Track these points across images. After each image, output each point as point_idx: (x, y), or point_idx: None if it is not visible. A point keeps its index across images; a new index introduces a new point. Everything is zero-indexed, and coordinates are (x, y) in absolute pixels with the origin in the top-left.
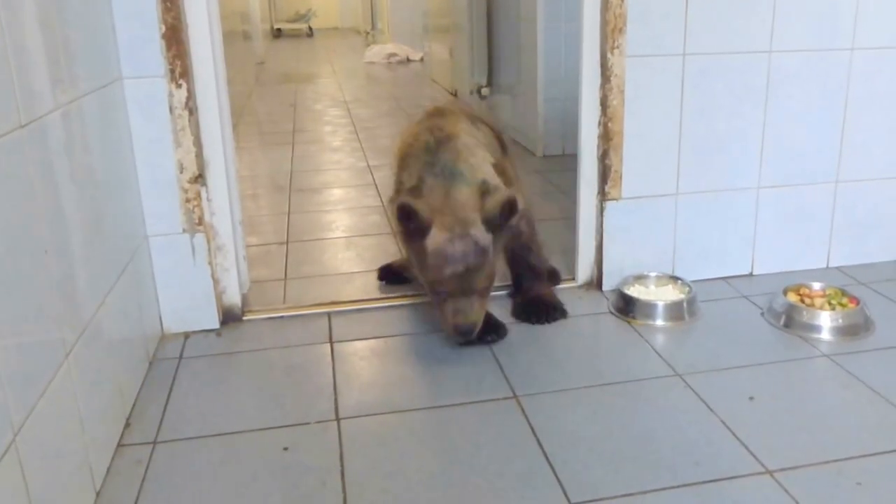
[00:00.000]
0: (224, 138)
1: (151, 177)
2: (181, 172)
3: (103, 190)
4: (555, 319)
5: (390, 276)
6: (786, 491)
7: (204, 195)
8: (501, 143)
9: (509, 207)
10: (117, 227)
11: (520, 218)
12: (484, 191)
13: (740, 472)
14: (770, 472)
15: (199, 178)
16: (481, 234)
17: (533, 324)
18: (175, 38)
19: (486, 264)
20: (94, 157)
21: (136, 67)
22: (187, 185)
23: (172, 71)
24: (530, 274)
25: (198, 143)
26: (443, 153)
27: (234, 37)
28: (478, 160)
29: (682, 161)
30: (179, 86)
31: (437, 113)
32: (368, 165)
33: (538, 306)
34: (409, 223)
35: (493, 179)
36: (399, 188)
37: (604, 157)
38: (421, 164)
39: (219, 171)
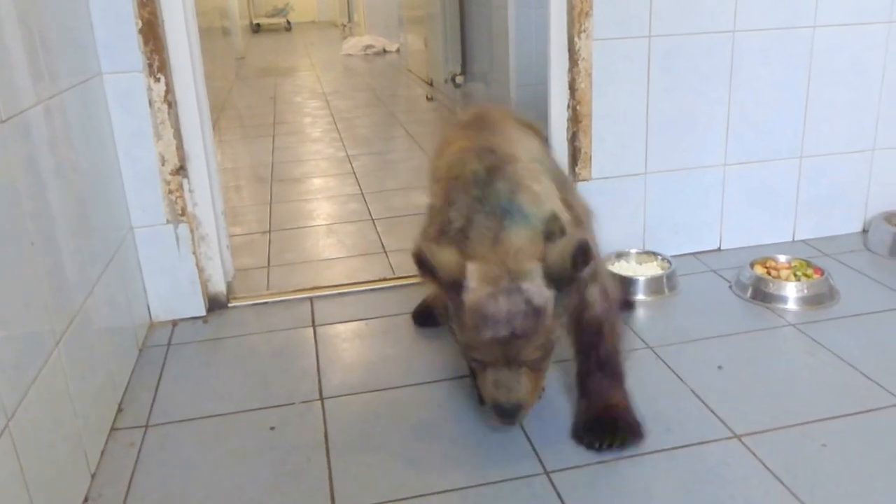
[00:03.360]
0: (204, 130)
1: (134, 169)
2: (163, 165)
3: (87, 183)
4: (625, 445)
5: (427, 318)
6: (753, 454)
7: (186, 186)
8: (545, 145)
9: (581, 255)
10: (102, 219)
11: (591, 279)
12: (552, 231)
13: (709, 437)
14: (738, 437)
15: (181, 169)
16: (538, 290)
17: (597, 450)
18: (152, 32)
19: (540, 330)
20: (76, 151)
21: (115, 62)
22: (169, 177)
23: (150, 65)
24: (599, 371)
25: (178, 135)
26: (497, 184)
27: (214, 32)
28: (543, 189)
29: (651, 141)
30: (158, 80)
31: (481, 122)
32: (347, 155)
33: (604, 424)
34: (432, 275)
35: (563, 216)
36: (443, 227)
37: (573, 139)
38: (469, 200)
39: (199, 163)
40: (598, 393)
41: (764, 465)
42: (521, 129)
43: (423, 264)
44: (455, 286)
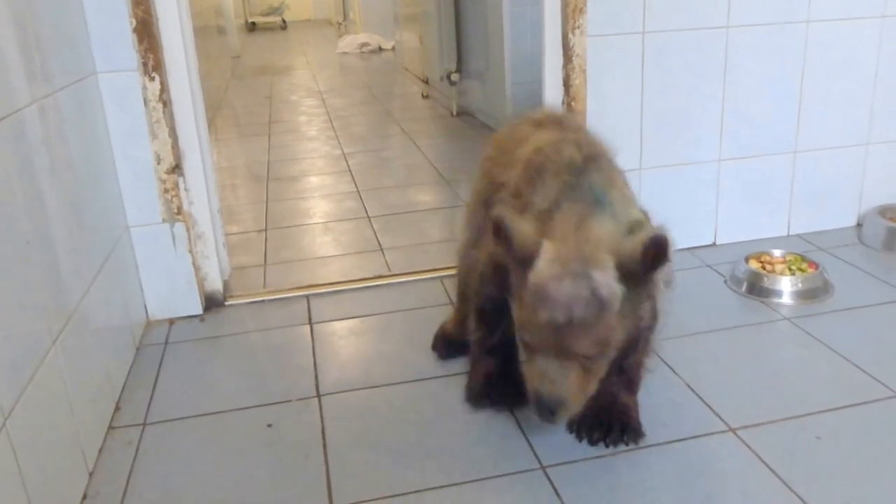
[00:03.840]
0: (199, 129)
1: (129, 168)
2: (158, 163)
3: (82, 182)
4: (617, 443)
5: (448, 347)
6: (748, 447)
7: (182, 185)
8: None
9: (657, 250)
10: (98, 217)
11: (650, 294)
12: (635, 230)
13: (704, 431)
14: (733, 430)
15: (176, 168)
16: (606, 281)
17: (592, 443)
18: (146, 31)
19: (600, 323)
20: (72, 150)
21: (110, 61)
22: (165, 176)
23: (145, 64)
24: (616, 376)
25: (173, 134)
26: (592, 174)
27: (209, 31)
28: (629, 194)
29: (645, 137)
30: (153, 78)
31: (558, 121)
32: (343, 153)
33: (603, 421)
34: (507, 246)
35: (646, 223)
36: (524, 208)
37: None
38: (561, 184)
39: (195, 161)
40: (608, 393)
41: (759, 457)
42: (599, 139)
43: (501, 231)
44: (526, 261)
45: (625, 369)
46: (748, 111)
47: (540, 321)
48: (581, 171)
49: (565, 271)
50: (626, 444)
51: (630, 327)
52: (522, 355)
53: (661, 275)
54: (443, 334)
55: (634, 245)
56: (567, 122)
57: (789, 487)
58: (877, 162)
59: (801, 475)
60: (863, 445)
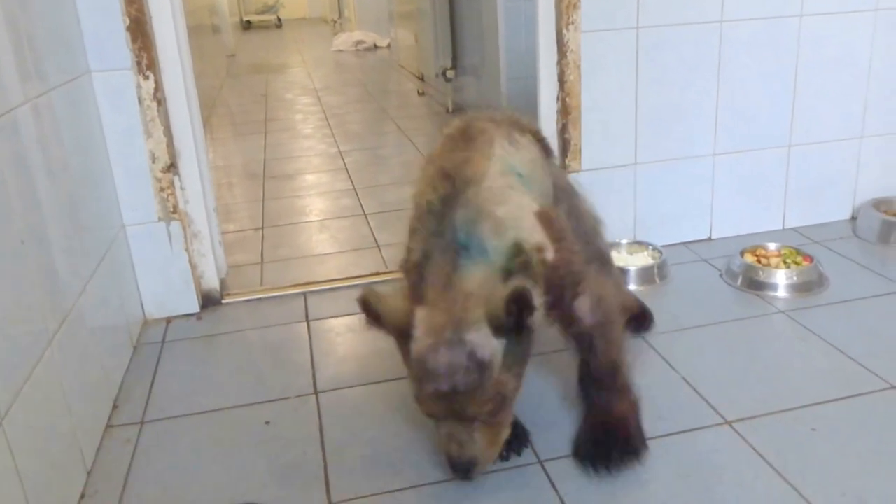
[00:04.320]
0: (194, 127)
1: (125, 167)
2: (153, 162)
3: (77, 181)
4: (623, 463)
5: None
6: (744, 439)
7: (177, 184)
8: (546, 156)
9: (519, 303)
10: (94, 217)
11: (572, 296)
12: (510, 268)
13: (700, 424)
14: (729, 423)
15: (172, 167)
16: (482, 342)
17: (597, 472)
18: (140, 30)
19: (485, 384)
20: (66, 150)
21: (103, 60)
22: (160, 175)
23: (139, 63)
24: (595, 386)
25: (168, 132)
26: (456, 213)
27: (204, 30)
28: (510, 211)
29: (640, 132)
30: (147, 77)
31: (462, 135)
32: (339, 151)
33: (601, 442)
34: (379, 325)
35: (533, 238)
36: (406, 256)
37: (563, 131)
38: (426, 233)
39: (190, 160)
40: (598, 406)
41: (755, 450)
42: (511, 137)
43: (369, 311)
44: (401, 334)
45: (599, 378)
46: (742, 105)
47: (428, 393)
48: (441, 214)
49: (439, 341)
50: (630, 466)
51: (522, 372)
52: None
53: (534, 320)
54: None
55: (498, 300)
56: (472, 131)
57: (785, 479)
58: (871, 155)
59: (796, 466)
60: (858, 437)
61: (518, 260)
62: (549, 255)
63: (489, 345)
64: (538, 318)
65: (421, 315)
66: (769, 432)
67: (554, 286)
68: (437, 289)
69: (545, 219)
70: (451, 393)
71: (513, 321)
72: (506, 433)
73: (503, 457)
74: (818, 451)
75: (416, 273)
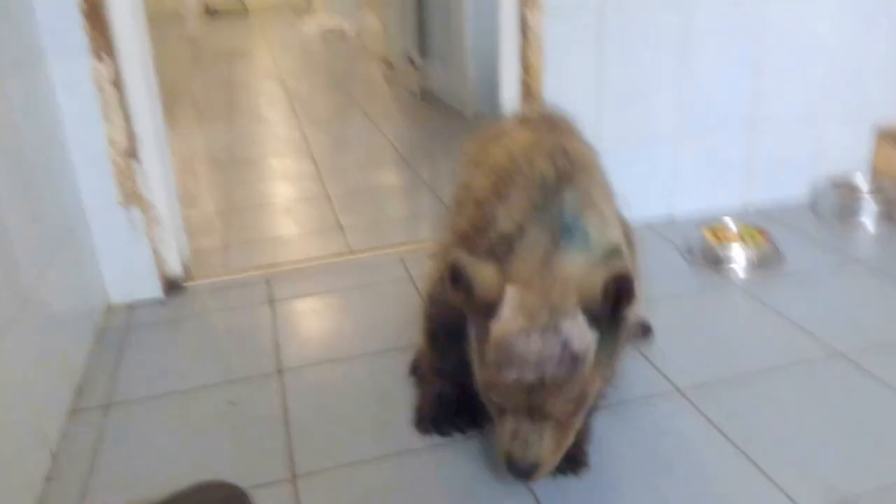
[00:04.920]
0: (154, 113)
1: (84, 153)
2: (113, 148)
3: (35, 166)
4: (560, 473)
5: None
6: (695, 406)
7: (137, 170)
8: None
9: (618, 289)
10: (52, 202)
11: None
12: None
13: (653, 392)
14: (681, 391)
15: (132, 153)
16: (579, 333)
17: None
18: (95, 14)
19: (574, 379)
20: (22, 135)
21: (59, 46)
22: (119, 160)
23: (96, 48)
24: None
25: (127, 118)
26: (565, 195)
27: (166, 16)
28: (610, 215)
29: (603, 113)
30: (104, 62)
31: (549, 122)
32: (304, 136)
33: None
34: (468, 296)
35: (625, 250)
36: (484, 224)
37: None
38: (527, 205)
39: (151, 146)
40: None
41: (705, 416)
42: (587, 143)
43: (459, 279)
44: (487, 310)
45: None
46: (705, 86)
47: (507, 381)
48: (553, 191)
49: (533, 325)
50: (568, 475)
51: (608, 374)
52: (491, 413)
53: (632, 312)
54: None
55: (595, 283)
56: (558, 122)
57: (733, 443)
58: (831, 135)
59: (744, 432)
60: (806, 402)
61: (615, 260)
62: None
63: (585, 336)
64: (636, 312)
65: (512, 293)
66: (720, 399)
67: None
68: (531, 267)
69: (625, 231)
70: (536, 385)
71: (609, 308)
72: (571, 440)
73: (459, 429)
74: (767, 417)
75: (504, 245)
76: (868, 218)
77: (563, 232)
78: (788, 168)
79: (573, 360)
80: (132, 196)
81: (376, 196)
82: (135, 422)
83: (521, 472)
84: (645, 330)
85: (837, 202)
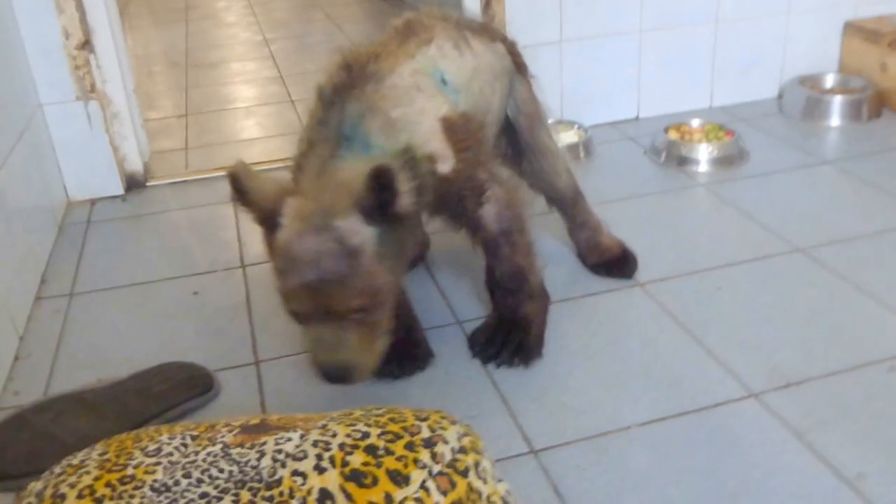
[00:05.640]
0: (107, 3)
1: (38, 45)
2: (67, 39)
3: None
4: (509, 363)
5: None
6: (653, 298)
7: (93, 62)
8: (517, 72)
9: (379, 181)
10: (7, 95)
11: (474, 205)
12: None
13: (612, 287)
14: (641, 285)
15: (86, 44)
16: (352, 228)
17: (484, 362)
18: None
19: (356, 274)
20: None
21: None
22: (75, 52)
23: None
24: (501, 289)
25: (80, 8)
26: (345, 105)
27: None
28: (407, 114)
29: (565, 7)
30: None
31: (404, 29)
32: (265, 39)
33: (499, 333)
34: (244, 204)
35: (429, 146)
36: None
37: (487, 7)
38: (312, 121)
39: (106, 38)
40: (504, 306)
41: (662, 307)
42: (460, 40)
43: (238, 187)
44: (269, 221)
45: (503, 282)
46: None
47: (292, 286)
48: (331, 104)
49: (307, 227)
50: (517, 365)
51: (400, 266)
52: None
53: (404, 206)
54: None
55: (360, 181)
56: (416, 26)
57: (688, 331)
58: (798, 31)
59: (699, 321)
60: (760, 295)
61: (405, 159)
62: (445, 166)
63: (359, 231)
64: (406, 204)
65: (291, 203)
66: (677, 292)
67: (451, 196)
68: (310, 177)
69: (449, 126)
70: (318, 284)
71: (376, 203)
72: (385, 338)
73: (394, 374)
74: (721, 308)
75: (297, 162)
76: (834, 116)
77: (341, 142)
78: (756, 66)
79: (348, 254)
80: (89, 90)
81: None
82: (99, 309)
83: (333, 376)
84: (625, 258)
85: (804, 100)
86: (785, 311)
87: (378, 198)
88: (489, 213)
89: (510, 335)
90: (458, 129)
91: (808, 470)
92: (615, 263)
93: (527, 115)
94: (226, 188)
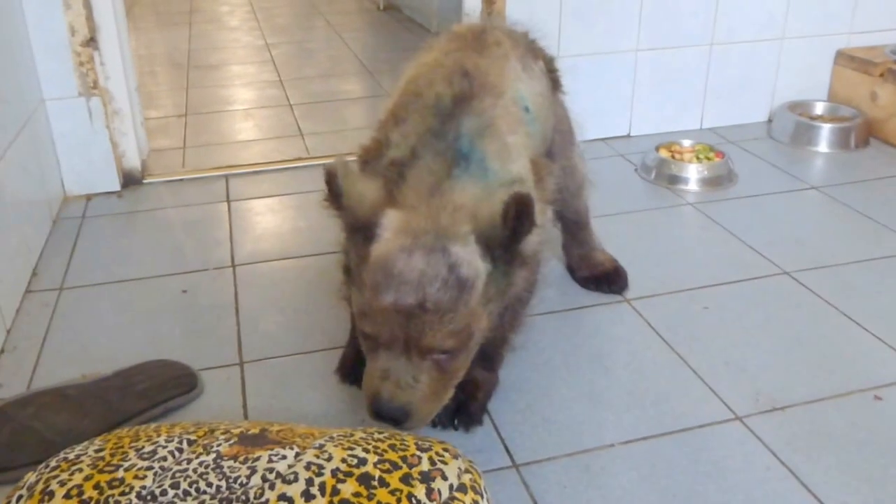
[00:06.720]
0: (114, 0)
1: (43, 40)
2: (73, 35)
3: None
4: (445, 426)
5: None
6: (639, 314)
7: (97, 59)
8: (554, 90)
9: (518, 211)
10: (10, 88)
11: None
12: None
13: (599, 301)
14: (627, 301)
15: (91, 41)
16: (467, 257)
17: (433, 426)
18: None
19: (461, 308)
20: None
21: None
22: (80, 49)
23: None
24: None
25: (87, 5)
26: (463, 119)
27: None
28: (517, 143)
29: (563, 25)
30: None
31: (475, 37)
32: (266, 43)
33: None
34: (338, 207)
35: (529, 181)
36: (378, 147)
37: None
38: (422, 129)
39: (110, 35)
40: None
41: (648, 323)
42: (525, 62)
43: (333, 187)
44: (364, 230)
45: (483, 347)
46: (667, 1)
47: (383, 305)
48: (448, 114)
49: (416, 243)
50: (456, 429)
51: (495, 314)
52: (364, 349)
53: (529, 244)
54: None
55: (493, 207)
56: (486, 37)
57: (672, 348)
58: (791, 57)
59: (685, 339)
60: (745, 315)
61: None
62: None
63: (474, 263)
64: (534, 243)
65: (394, 216)
66: (664, 309)
67: None
68: (419, 193)
69: (536, 167)
70: (415, 310)
71: (508, 234)
72: (452, 390)
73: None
74: (707, 327)
75: (395, 171)
76: (822, 143)
77: (457, 160)
78: (747, 89)
79: (459, 285)
80: (92, 86)
81: (337, 104)
82: (88, 304)
83: (388, 416)
84: (616, 275)
85: (793, 125)
86: (771, 333)
87: (511, 228)
88: (522, 278)
89: (459, 403)
90: (540, 171)
91: (791, 497)
92: (606, 278)
93: (561, 134)
94: (220, 188)
